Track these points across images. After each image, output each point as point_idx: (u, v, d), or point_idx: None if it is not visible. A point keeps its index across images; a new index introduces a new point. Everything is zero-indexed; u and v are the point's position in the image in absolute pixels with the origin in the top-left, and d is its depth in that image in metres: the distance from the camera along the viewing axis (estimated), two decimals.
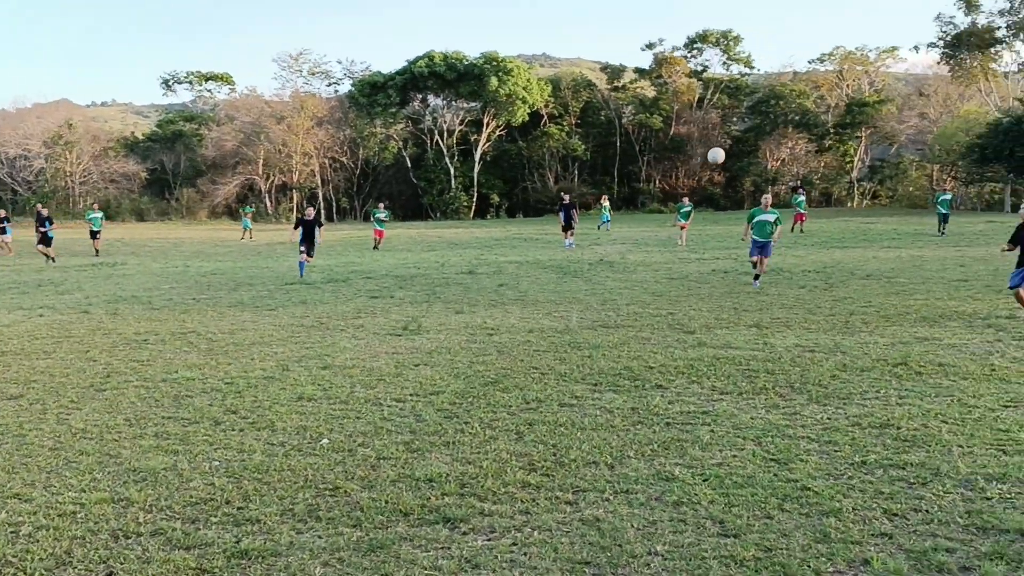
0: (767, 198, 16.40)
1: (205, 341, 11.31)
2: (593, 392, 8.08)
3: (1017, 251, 11.00)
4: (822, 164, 66.45)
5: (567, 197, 30.35)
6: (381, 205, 32.71)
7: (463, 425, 7.05)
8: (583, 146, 64.07)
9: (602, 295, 15.72)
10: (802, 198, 33.02)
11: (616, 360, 9.51)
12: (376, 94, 60.98)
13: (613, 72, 69.81)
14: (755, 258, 16.19)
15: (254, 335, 11.78)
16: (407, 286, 18.09)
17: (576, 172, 65.93)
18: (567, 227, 29.04)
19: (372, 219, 32.13)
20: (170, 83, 69.06)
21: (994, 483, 5.41)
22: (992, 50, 56.69)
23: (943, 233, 28.32)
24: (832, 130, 64.41)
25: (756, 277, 16.21)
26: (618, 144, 66.03)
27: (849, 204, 64.59)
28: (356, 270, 22.14)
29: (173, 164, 65.45)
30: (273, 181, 63.87)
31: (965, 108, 57.71)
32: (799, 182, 50.08)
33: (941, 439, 6.30)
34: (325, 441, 6.68)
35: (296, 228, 20.65)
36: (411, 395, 8.11)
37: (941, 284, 15.55)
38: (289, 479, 5.86)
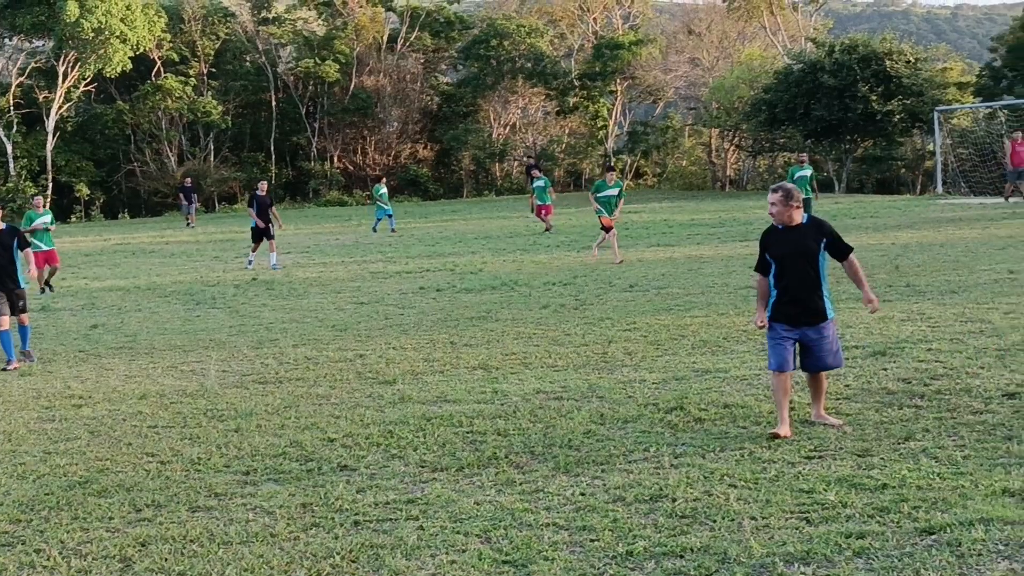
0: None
1: None
2: (243, 485, 8.03)
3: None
4: (567, 131, 70.26)
5: (262, 186, 27.52)
6: None
7: (33, 555, 6.72)
8: (220, 108, 63.12)
9: (256, 334, 15.68)
10: (542, 182, 34.21)
11: (279, 433, 9.50)
12: None
13: None
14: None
15: None
16: None
17: (212, 147, 64.77)
18: (265, 233, 26.35)
19: None
20: None
21: (796, 565, 5.94)
22: None
23: None
24: (578, 82, 68.33)
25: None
26: (274, 104, 65.75)
27: None
28: None
29: None
30: None
31: (747, 51, 63.59)
32: (535, 159, 52.02)
33: (729, 510, 6.84)
34: None
35: None
36: None
37: (725, 294, 16.98)
38: None
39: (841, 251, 8.82)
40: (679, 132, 71.25)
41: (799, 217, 8.79)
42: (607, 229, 23.73)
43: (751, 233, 28.81)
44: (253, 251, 26.67)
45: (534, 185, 34.26)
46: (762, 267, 8.99)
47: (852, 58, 48.80)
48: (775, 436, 8.39)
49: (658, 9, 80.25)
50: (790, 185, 8.92)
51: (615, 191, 24.13)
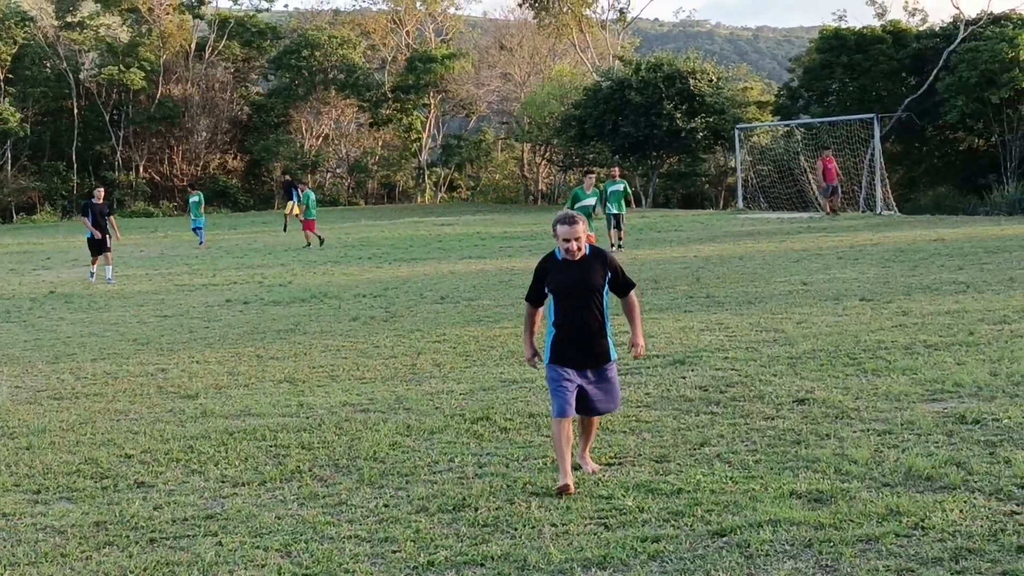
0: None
1: None
2: (34, 504, 7.83)
3: None
4: (380, 143, 70.17)
5: (98, 193, 26.13)
6: None
7: None
8: (19, 115, 60.87)
9: (53, 348, 15.29)
10: (300, 197, 33.89)
11: (73, 450, 9.27)
12: None
13: (64, 2, 67.34)
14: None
15: None
16: None
17: (9, 155, 62.38)
18: (102, 244, 24.83)
19: None
20: None
21: (593, 570, 6.08)
22: None
23: (620, 247, 26.56)
24: (391, 95, 68.33)
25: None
26: (76, 112, 63.78)
27: (419, 199, 68.98)
28: None
29: None
30: None
31: (557, 68, 64.69)
32: (290, 177, 50.94)
33: (531, 518, 6.95)
34: None
35: None
36: None
37: None
38: None
39: (623, 287, 7.95)
40: (492, 146, 71.91)
41: (584, 246, 7.86)
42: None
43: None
44: (93, 264, 25.00)
45: (305, 200, 33.72)
46: (536, 297, 8.05)
47: (658, 76, 50.16)
48: (562, 492, 7.37)
49: (470, 24, 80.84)
50: (572, 212, 8.03)
51: (593, 200, 21.42)
